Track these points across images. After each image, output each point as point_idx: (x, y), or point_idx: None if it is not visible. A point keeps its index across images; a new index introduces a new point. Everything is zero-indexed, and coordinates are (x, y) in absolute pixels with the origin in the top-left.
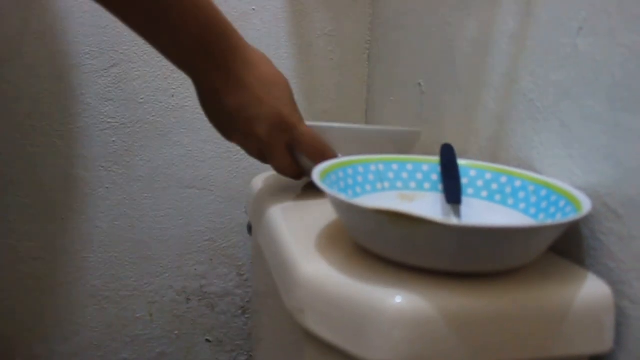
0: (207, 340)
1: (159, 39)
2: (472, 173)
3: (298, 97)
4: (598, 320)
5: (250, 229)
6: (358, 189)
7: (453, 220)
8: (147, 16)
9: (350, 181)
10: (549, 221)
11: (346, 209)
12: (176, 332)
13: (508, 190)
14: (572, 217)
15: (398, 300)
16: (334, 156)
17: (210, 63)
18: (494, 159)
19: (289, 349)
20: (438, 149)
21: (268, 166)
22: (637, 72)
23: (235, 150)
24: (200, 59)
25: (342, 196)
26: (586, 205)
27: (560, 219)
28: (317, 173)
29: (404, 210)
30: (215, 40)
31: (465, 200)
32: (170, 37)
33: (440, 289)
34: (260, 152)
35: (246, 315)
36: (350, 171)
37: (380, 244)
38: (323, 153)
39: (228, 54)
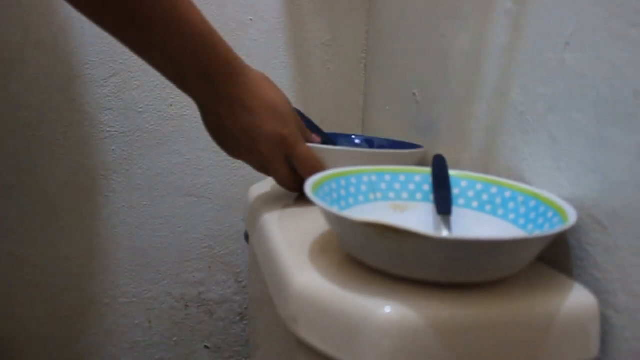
0: (206, 347)
1: (163, 67)
2: (464, 184)
3: (295, 106)
4: (584, 329)
5: (247, 237)
6: (351, 200)
7: (443, 232)
8: (150, 45)
9: (343, 192)
10: (535, 233)
11: (336, 221)
12: (175, 338)
13: (498, 200)
14: (555, 229)
15: (388, 310)
16: None
17: (213, 90)
18: (485, 170)
19: (284, 356)
20: (431, 159)
21: (265, 175)
22: (622, 88)
23: (233, 159)
24: (204, 86)
25: (332, 209)
26: (572, 217)
27: (547, 230)
28: (310, 185)
29: (392, 222)
30: (218, 68)
31: (456, 210)
32: (174, 65)
33: (429, 299)
34: (263, 167)
35: (244, 322)
36: (343, 182)
37: (370, 255)
38: (315, 169)
39: (230, 80)
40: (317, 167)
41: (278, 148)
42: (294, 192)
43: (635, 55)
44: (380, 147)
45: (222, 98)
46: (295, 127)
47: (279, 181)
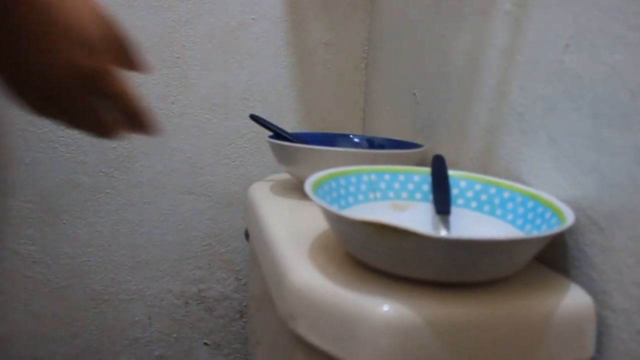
0: (205, 344)
1: None
2: (463, 184)
3: (296, 105)
4: (580, 329)
5: (247, 235)
6: (351, 199)
7: (442, 232)
8: None
9: (342, 191)
10: (532, 234)
11: (336, 220)
12: (174, 335)
13: (497, 201)
14: (552, 230)
15: (386, 308)
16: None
17: None
18: (484, 170)
19: (282, 353)
20: (431, 158)
21: (266, 173)
22: (619, 90)
23: (233, 157)
24: None
25: (332, 208)
26: (569, 218)
27: (544, 230)
28: (310, 183)
29: (391, 222)
30: None
31: (455, 210)
32: None
33: (427, 298)
34: (62, 113)
35: (244, 319)
36: (342, 181)
37: (369, 254)
38: (133, 109)
39: None
40: (135, 105)
41: (78, 85)
42: (110, 138)
43: (633, 57)
44: (381, 146)
45: None
46: (104, 55)
47: (87, 128)
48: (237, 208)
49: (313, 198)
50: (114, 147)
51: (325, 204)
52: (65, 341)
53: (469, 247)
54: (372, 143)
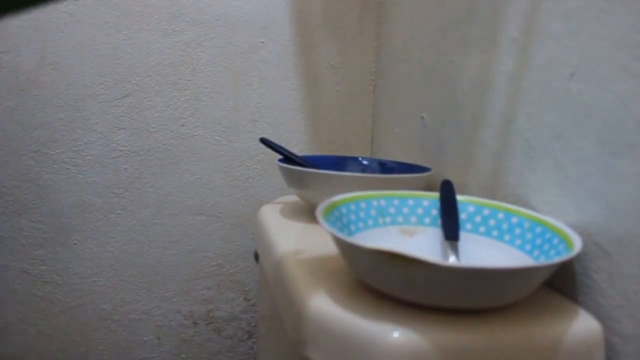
0: None
1: None
2: (471, 209)
3: (305, 127)
4: (589, 355)
5: (257, 256)
6: (361, 224)
7: (450, 258)
8: None
9: (353, 217)
10: (540, 262)
11: (346, 248)
12: (183, 355)
13: (505, 226)
14: (560, 258)
15: (396, 335)
16: None
17: None
18: (492, 195)
19: None
20: (439, 181)
21: (275, 195)
22: (625, 119)
23: (243, 179)
24: None
25: (342, 234)
26: (577, 245)
27: (553, 256)
28: (321, 210)
29: (401, 250)
30: None
31: (463, 235)
32: None
33: (437, 324)
34: None
35: (252, 340)
36: (353, 207)
37: (378, 280)
38: None
39: None
40: None
41: None
42: None
43: (638, 87)
44: (390, 169)
45: None
46: None
47: None
48: (246, 229)
49: (324, 225)
50: (125, 168)
51: (335, 231)
52: None
53: (477, 275)
54: (381, 166)
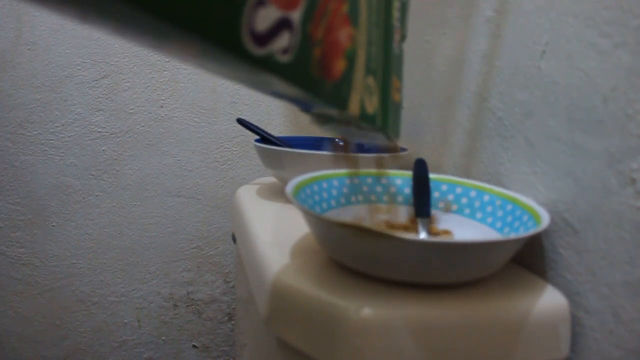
0: (194, 346)
1: None
2: (444, 187)
3: (284, 109)
4: (555, 330)
5: (234, 238)
6: (333, 202)
7: (421, 235)
8: None
9: (324, 194)
10: (506, 236)
11: (314, 223)
12: (163, 337)
13: (477, 204)
14: (525, 233)
15: (363, 310)
16: None
17: None
18: (466, 174)
19: (265, 355)
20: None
21: (254, 177)
22: (592, 95)
23: (222, 161)
24: None
25: (311, 210)
26: (544, 221)
27: (522, 232)
28: (291, 187)
29: (368, 224)
30: None
31: (436, 213)
32: None
33: (404, 299)
34: None
35: (232, 322)
36: (325, 185)
37: (347, 256)
38: None
39: None
40: None
41: None
42: None
43: (605, 63)
44: (367, 150)
45: None
46: None
47: None
48: (225, 211)
49: (293, 201)
50: (103, 150)
51: (304, 207)
52: (53, 343)
53: (443, 249)
54: (358, 147)
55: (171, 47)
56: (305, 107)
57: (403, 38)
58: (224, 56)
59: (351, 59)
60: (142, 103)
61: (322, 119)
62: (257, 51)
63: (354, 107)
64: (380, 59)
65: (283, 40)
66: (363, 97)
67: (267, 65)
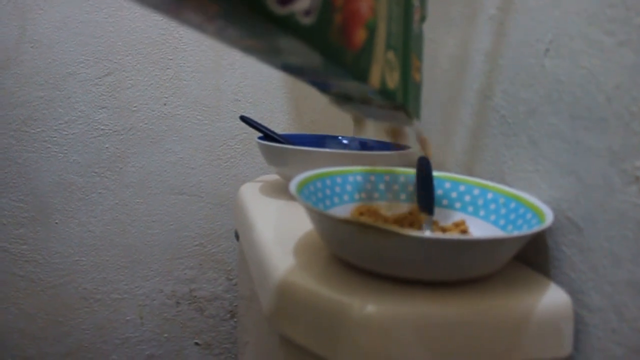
0: (196, 344)
1: None
2: (447, 185)
3: (287, 107)
4: (558, 328)
5: (237, 235)
6: (336, 199)
7: (425, 232)
8: None
9: (328, 192)
10: (510, 234)
11: (319, 219)
12: (166, 335)
13: (480, 202)
14: (529, 231)
15: (367, 307)
16: None
17: None
18: (469, 172)
19: (268, 353)
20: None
21: (257, 174)
22: (596, 93)
23: (225, 158)
24: None
25: (315, 207)
26: (548, 219)
27: (525, 230)
28: (295, 184)
29: (373, 221)
30: None
31: (440, 211)
32: None
33: (408, 296)
34: None
35: (234, 319)
36: (328, 182)
37: (351, 253)
38: None
39: None
40: None
41: None
42: None
43: (609, 61)
44: (370, 148)
45: None
46: None
47: None
48: (228, 208)
49: (297, 198)
50: (107, 148)
51: (308, 204)
52: (56, 340)
53: (447, 246)
54: (361, 145)
55: (190, 9)
56: (323, 87)
57: (423, 18)
58: (245, 15)
59: (372, 30)
60: (145, 101)
61: (342, 99)
62: (279, 10)
63: (374, 80)
64: (400, 36)
65: (305, 1)
66: (384, 71)
67: (288, 25)
